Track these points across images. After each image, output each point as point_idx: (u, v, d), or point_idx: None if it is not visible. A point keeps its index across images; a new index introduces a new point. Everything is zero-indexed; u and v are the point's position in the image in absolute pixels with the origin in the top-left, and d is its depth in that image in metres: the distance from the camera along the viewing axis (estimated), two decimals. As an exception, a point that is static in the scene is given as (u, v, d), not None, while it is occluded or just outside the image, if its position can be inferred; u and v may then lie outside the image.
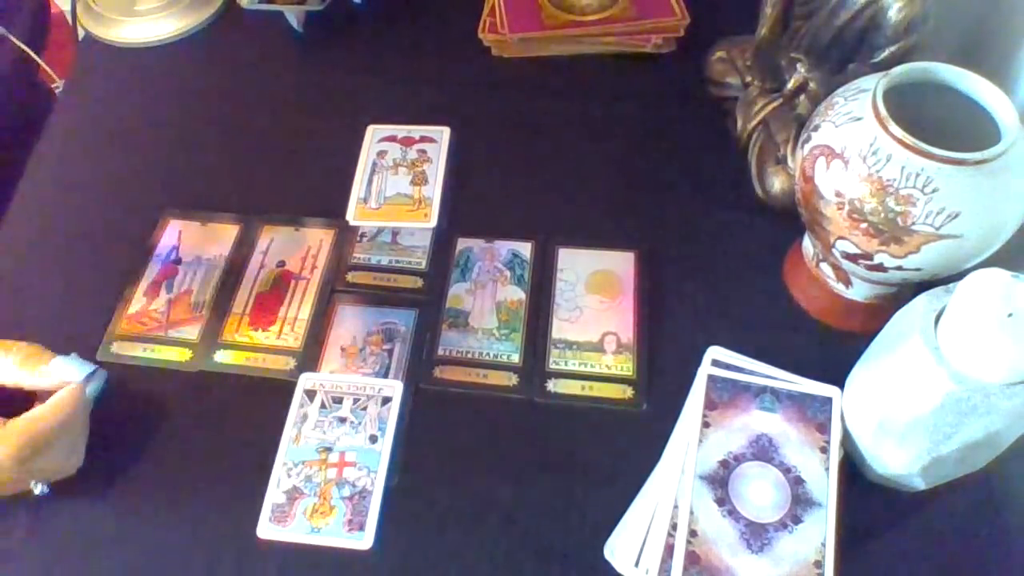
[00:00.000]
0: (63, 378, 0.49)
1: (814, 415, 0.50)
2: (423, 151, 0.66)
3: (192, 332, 0.57)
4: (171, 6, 0.77)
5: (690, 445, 0.49)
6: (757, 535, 0.46)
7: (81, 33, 0.79)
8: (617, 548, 0.47)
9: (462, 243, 0.61)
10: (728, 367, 0.53)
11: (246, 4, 0.73)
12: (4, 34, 0.79)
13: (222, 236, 0.62)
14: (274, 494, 0.49)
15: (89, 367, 0.50)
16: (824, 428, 0.49)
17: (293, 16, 0.74)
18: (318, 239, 0.62)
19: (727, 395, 0.51)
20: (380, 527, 0.48)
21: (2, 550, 0.48)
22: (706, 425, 0.50)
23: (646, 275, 0.59)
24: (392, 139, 0.67)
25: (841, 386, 0.51)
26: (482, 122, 0.69)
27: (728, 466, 0.49)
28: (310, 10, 0.74)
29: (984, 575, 0.48)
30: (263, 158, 0.67)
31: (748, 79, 0.66)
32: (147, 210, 0.64)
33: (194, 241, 0.62)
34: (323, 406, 0.53)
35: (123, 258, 0.61)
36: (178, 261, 0.61)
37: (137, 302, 0.58)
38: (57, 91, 0.83)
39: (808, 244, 0.57)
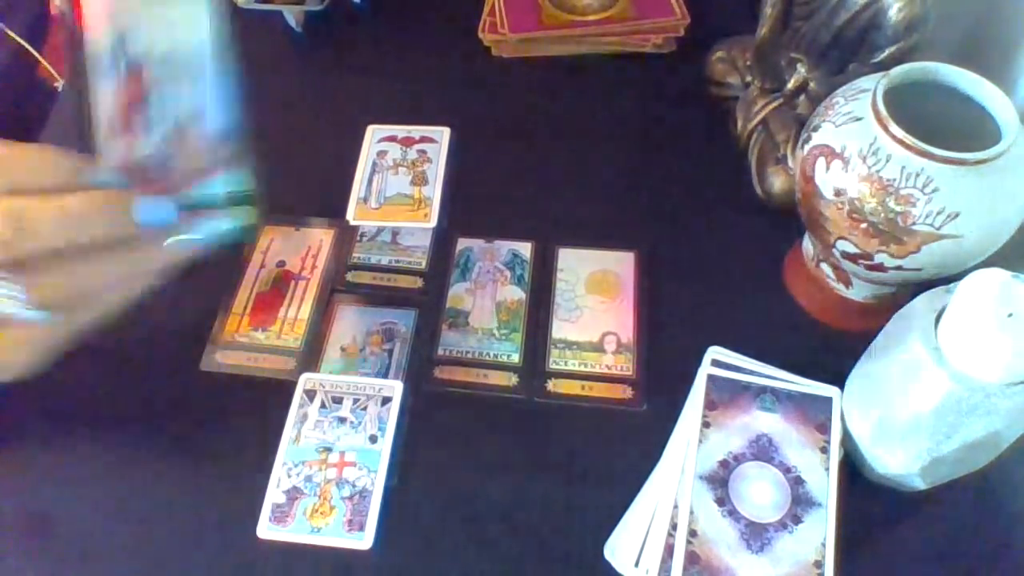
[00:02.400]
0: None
1: (814, 415, 0.50)
2: (423, 151, 0.66)
3: (192, 332, 0.57)
4: (171, 6, 0.77)
5: (690, 445, 0.49)
6: (757, 535, 0.46)
7: (81, 33, 0.79)
8: (617, 548, 0.47)
9: (462, 243, 0.61)
10: (728, 367, 0.53)
11: (243, 3, 0.73)
12: (4, 30, 0.78)
13: (222, 236, 0.62)
14: (274, 494, 0.49)
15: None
16: (824, 428, 0.49)
17: (291, 16, 0.74)
18: (318, 239, 0.62)
19: (727, 395, 0.51)
20: (380, 527, 0.48)
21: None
22: (706, 425, 0.50)
23: (646, 275, 0.59)
24: (392, 139, 0.67)
25: (841, 386, 0.51)
26: (482, 122, 0.69)
27: (728, 466, 0.49)
28: (309, 10, 0.74)
29: (984, 575, 0.48)
30: (263, 158, 0.67)
31: (748, 79, 0.66)
32: (147, 210, 0.63)
33: (194, 241, 0.62)
34: (323, 406, 0.53)
35: (123, 258, 0.61)
36: (178, 261, 0.61)
37: (137, 302, 0.58)
38: (58, 88, 0.83)
39: (808, 244, 0.57)
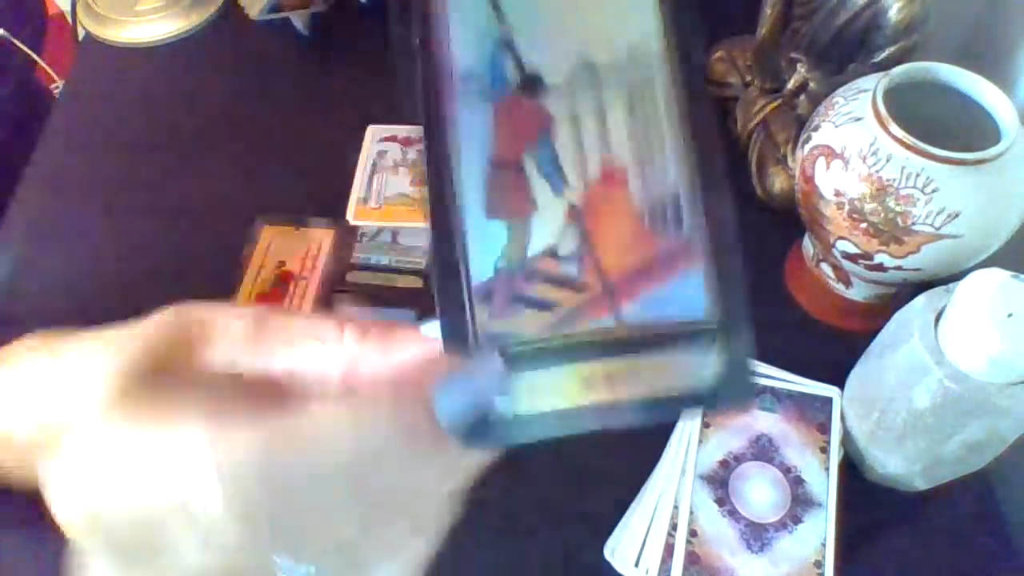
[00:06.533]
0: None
1: (814, 415, 0.50)
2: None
3: (192, 332, 0.57)
4: (171, 6, 0.77)
5: (690, 445, 0.49)
6: (757, 535, 0.46)
7: (81, 33, 0.79)
8: (617, 548, 0.47)
9: (462, 243, 0.61)
10: (728, 367, 0.52)
11: (255, 15, 0.73)
12: (5, 36, 0.79)
13: (222, 236, 0.62)
14: (274, 494, 0.49)
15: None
16: (824, 428, 0.49)
17: (299, 21, 0.74)
18: (318, 239, 0.62)
19: (727, 395, 0.51)
20: (380, 527, 0.48)
21: None
22: (706, 425, 0.50)
23: (646, 275, 0.59)
24: (392, 139, 0.67)
25: (841, 386, 0.51)
26: (482, 122, 0.68)
27: (728, 466, 0.49)
28: (315, 11, 0.74)
29: (984, 575, 0.48)
30: (263, 158, 0.67)
31: (748, 79, 0.66)
32: (146, 211, 0.64)
33: (194, 241, 0.62)
34: (323, 406, 0.52)
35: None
36: (178, 261, 0.61)
37: (137, 302, 0.58)
38: (56, 92, 0.83)
39: (808, 244, 0.57)
